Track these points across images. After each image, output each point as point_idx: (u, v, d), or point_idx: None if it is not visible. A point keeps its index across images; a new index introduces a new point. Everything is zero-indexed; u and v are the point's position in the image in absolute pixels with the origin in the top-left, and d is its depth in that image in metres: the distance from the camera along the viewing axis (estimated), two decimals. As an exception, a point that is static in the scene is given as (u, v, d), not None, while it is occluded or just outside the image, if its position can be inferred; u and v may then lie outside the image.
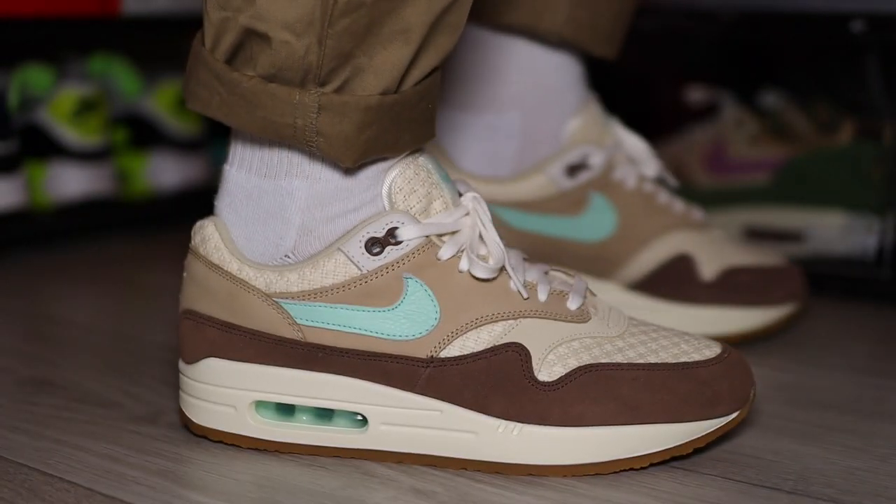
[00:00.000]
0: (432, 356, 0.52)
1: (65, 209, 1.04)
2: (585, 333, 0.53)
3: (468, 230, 0.53)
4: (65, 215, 1.04)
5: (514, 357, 0.52)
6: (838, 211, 0.92)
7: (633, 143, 0.73)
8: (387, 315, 0.52)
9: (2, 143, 0.95)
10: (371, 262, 0.52)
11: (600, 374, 0.52)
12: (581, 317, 0.54)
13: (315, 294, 0.53)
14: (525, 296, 0.53)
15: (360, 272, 0.52)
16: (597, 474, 0.52)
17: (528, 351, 0.52)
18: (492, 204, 0.72)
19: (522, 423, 0.52)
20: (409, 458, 0.53)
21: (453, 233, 0.53)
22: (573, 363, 0.52)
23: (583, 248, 0.72)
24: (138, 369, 0.68)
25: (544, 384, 0.52)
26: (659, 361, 0.53)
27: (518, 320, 0.53)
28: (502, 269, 0.53)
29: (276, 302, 0.53)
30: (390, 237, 0.52)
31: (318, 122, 0.50)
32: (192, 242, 0.56)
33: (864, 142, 0.95)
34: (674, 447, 0.52)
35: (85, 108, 1.04)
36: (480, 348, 0.52)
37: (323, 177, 0.53)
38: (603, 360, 0.52)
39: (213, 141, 1.21)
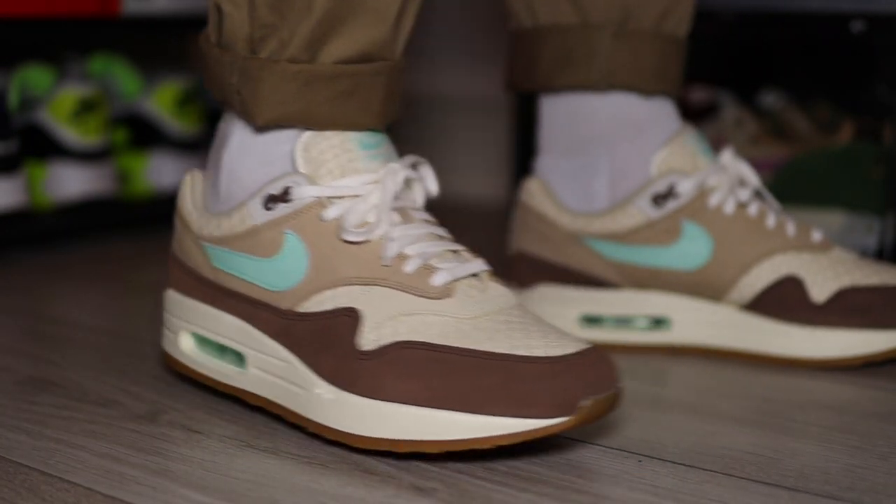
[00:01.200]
0: (290, 309, 0.55)
1: (65, 209, 1.04)
2: (432, 310, 0.53)
3: (371, 198, 0.55)
4: (65, 215, 1.05)
5: (345, 321, 0.53)
6: (838, 211, 0.92)
7: (743, 169, 0.73)
8: (266, 265, 0.57)
9: (2, 143, 0.95)
10: (263, 216, 0.56)
11: (415, 353, 0.51)
12: (439, 294, 0.53)
13: (224, 240, 0.58)
14: (387, 264, 0.54)
15: (254, 224, 0.57)
16: (390, 450, 0.52)
17: (361, 317, 0.53)
18: (588, 236, 0.74)
19: (338, 387, 0.53)
20: (271, 405, 0.57)
21: (354, 197, 0.55)
22: (393, 336, 0.52)
23: (682, 277, 0.72)
24: (138, 368, 0.68)
25: (362, 352, 0.52)
26: (490, 350, 0.51)
27: (371, 287, 0.54)
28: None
29: (201, 245, 0.60)
30: (286, 195, 0.56)
31: (238, 82, 0.57)
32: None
33: (863, 142, 0.95)
34: (470, 439, 0.50)
35: (85, 109, 1.04)
36: (328, 308, 0.54)
37: (248, 132, 0.59)
38: (428, 340, 0.51)
39: (212, 141, 1.21)
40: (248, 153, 0.59)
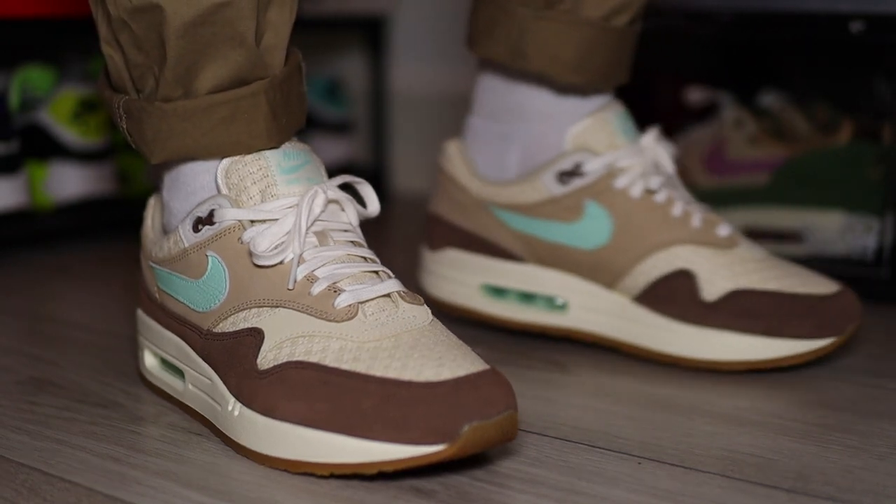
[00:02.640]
0: (210, 329, 0.57)
1: (65, 209, 1.04)
2: (330, 332, 0.53)
3: (286, 222, 0.55)
4: (65, 215, 1.04)
5: (249, 341, 0.54)
6: (837, 211, 0.92)
7: (662, 155, 0.72)
8: (193, 286, 0.58)
9: (2, 143, 0.95)
10: (191, 238, 0.58)
11: (304, 373, 0.51)
12: (341, 315, 0.53)
13: (164, 262, 0.60)
14: (290, 287, 0.54)
15: (184, 247, 0.58)
16: (286, 470, 0.52)
17: (263, 337, 0.54)
18: (495, 206, 0.73)
19: (242, 404, 0.54)
20: (204, 420, 0.58)
21: (272, 221, 0.55)
22: (289, 357, 0.52)
23: (581, 255, 0.71)
24: (139, 369, 0.68)
25: (259, 371, 0.53)
26: (372, 374, 0.50)
27: (276, 309, 0.54)
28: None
29: (150, 265, 0.62)
30: (211, 217, 0.57)
31: (126, 125, 0.59)
32: None
33: (863, 142, 0.95)
34: (355, 463, 0.50)
35: (85, 109, 1.04)
36: (238, 328, 0.55)
37: (173, 163, 0.60)
38: (319, 361, 0.52)
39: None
40: (175, 186, 0.60)
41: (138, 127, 0.58)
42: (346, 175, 0.59)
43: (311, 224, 0.56)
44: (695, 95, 1.05)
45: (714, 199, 0.96)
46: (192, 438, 0.57)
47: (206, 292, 0.57)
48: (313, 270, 0.54)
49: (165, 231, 0.62)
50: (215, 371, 0.56)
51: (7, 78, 1.06)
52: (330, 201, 0.58)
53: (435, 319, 0.55)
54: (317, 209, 0.56)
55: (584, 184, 0.71)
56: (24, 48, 1.12)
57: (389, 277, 0.56)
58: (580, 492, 0.50)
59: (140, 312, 0.65)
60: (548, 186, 0.71)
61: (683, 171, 0.98)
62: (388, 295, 0.55)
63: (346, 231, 0.57)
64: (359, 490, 0.50)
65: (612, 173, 0.71)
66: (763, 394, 0.65)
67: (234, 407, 0.54)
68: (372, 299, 0.54)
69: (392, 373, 0.50)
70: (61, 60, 1.13)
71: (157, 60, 0.56)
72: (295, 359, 0.52)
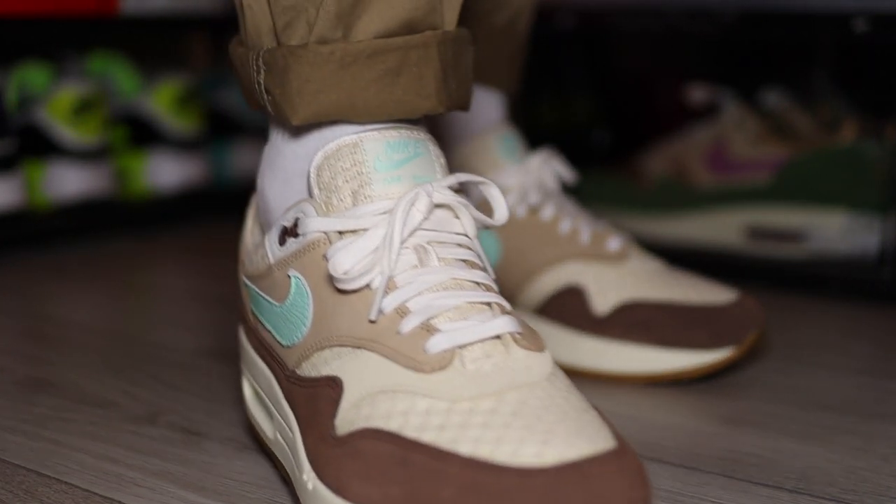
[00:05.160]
0: (293, 370, 0.47)
1: (63, 209, 1.04)
2: (417, 387, 0.41)
3: (378, 231, 0.44)
4: (63, 215, 1.04)
5: (328, 394, 0.44)
6: (840, 210, 0.91)
7: (548, 179, 0.71)
8: (278, 312, 0.48)
9: (0, 142, 0.95)
10: (277, 253, 0.48)
11: (380, 447, 0.41)
12: (433, 364, 0.41)
13: (253, 278, 0.51)
14: (372, 318, 0.43)
15: (269, 263, 0.49)
16: None
17: (341, 390, 0.43)
18: None
19: (315, 473, 0.43)
20: (287, 477, 0.49)
21: (364, 230, 0.45)
22: (367, 421, 0.42)
23: None
24: (137, 369, 0.68)
25: (334, 438, 0.42)
26: (465, 454, 0.39)
27: (357, 350, 0.43)
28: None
29: (244, 282, 0.52)
30: (296, 227, 0.47)
31: (266, 80, 0.48)
32: None
33: (865, 141, 0.95)
34: None
35: (83, 108, 1.04)
36: (317, 374, 0.45)
37: (276, 145, 0.51)
38: (398, 431, 0.41)
39: (212, 140, 1.21)
40: (272, 166, 0.50)
41: (281, 79, 0.47)
42: (462, 173, 0.47)
43: (409, 236, 0.45)
44: (696, 95, 1.05)
45: (716, 198, 0.96)
46: (191, 439, 0.56)
47: (289, 321, 0.47)
48: (406, 301, 0.43)
49: (262, 231, 0.53)
50: (297, 423, 0.46)
51: (4, 76, 1.05)
52: (438, 206, 0.46)
53: (556, 371, 0.43)
54: (417, 216, 0.44)
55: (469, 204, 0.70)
56: (21, 46, 1.12)
57: (504, 312, 0.44)
58: (582, 493, 0.50)
59: (240, 332, 0.55)
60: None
61: (685, 170, 0.98)
62: (497, 337, 0.43)
63: (458, 246, 0.46)
64: (358, 491, 0.50)
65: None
66: (764, 394, 0.65)
67: (309, 478, 0.44)
68: (474, 343, 0.42)
69: (482, 451, 0.39)
70: (59, 59, 1.13)
71: None
72: (373, 424, 0.41)
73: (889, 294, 0.86)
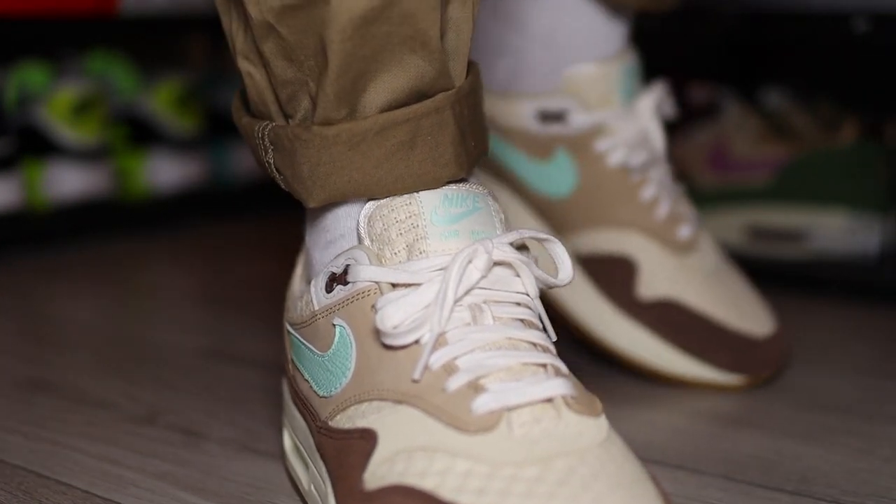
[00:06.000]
0: (325, 421, 0.45)
1: (62, 209, 1.04)
2: (459, 448, 0.39)
3: (432, 287, 0.42)
4: (62, 215, 1.04)
5: (360, 446, 0.42)
6: (841, 210, 0.91)
7: (656, 136, 0.68)
8: (318, 361, 0.46)
9: (-1, 142, 0.95)
10: (322, 300, 0.46)
11: None
12: (478, 425, 0.39)
13: (295, 325, 0.48)
14: (416, 377, 0.41)
15: (313, 309, 0.46)
16: None
17: (375, 442, 0.41)
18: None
19: None
20: None
21: (417, 285, 0.43)
22: (400, 477, 0.39)
23: (535, 198, 0.68)
24: (137, 370, 0.68)
25: (363, 492, 0.40)
26: None
27: (399, 405, 0.41)
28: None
29: (287, 328, 0.50)
30: (345, 275, 0.45)
31: (274, 160, 0.46)
32: None
33: (867, 141, 0.94)
34: None
35: (83, 107, 1.04)
36: (351, 426, 0.43)
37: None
38: (433, 491, 0.38)
39: (212, 140, 1.21)
40: (315, 230, 0.48)
41: (290, 161, 0.45)
42: (525, 230, 0.44)
43: (465, 294, 0.42)
44: (697, 94, 1.05)
45: (717, 198, 0.96)
46: (191, 440, 0.56)
47: (329, 371, 0.45)
48: (455, 358, 0.41)
49: (308, 282, 0.50)
50: (329, 476, 0.44)
51: (3, 76, 1.05)
52: (497, 263, 0.43)
53: (612, 436, 0.41)
54: (475, 275, 0.42)
55: (562, 133, 0.66)
56: (20, 46, 1.12)
57: (558, 374, 0.41)
58: (582, 494, 0.50)
59: (283, 381, 0.53)
60: (524, 117, 0.67)
61: (686, 169, 0.98)
62: (549, 400, 0.40)
63: (516, 305, 0.43)
64: (358, 492, 0.50)
65: (595, 132, 0.66)
66: (764, 395, 0.65)
67: None
68: (523, 405, 0.39)
69: None
70: (58, 58, 1.12)
71: (315, 73, 0.43)
72: (406, 482, 0.39)
73: (890, 294, 0.86)
